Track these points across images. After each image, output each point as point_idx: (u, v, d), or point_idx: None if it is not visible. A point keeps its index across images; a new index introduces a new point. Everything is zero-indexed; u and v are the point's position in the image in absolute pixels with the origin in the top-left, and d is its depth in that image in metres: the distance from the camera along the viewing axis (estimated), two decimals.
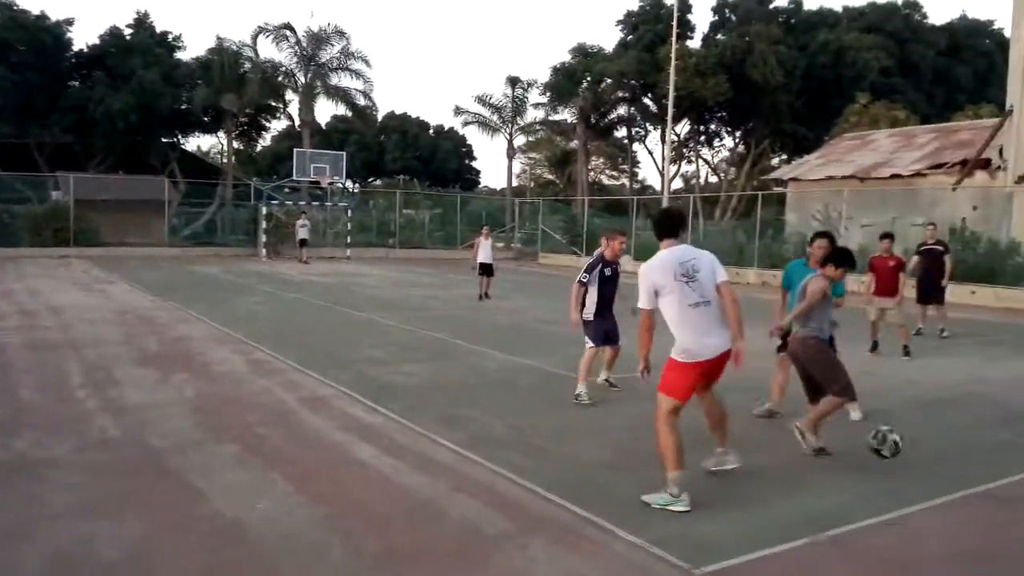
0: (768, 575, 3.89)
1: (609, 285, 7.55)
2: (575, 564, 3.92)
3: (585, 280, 7.46)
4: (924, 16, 44.25)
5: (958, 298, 18.31)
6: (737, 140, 46.16)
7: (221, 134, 41.75)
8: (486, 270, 16.59)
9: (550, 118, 44.87)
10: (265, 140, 50.40)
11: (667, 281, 4.69)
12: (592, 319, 7.53)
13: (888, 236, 10.74)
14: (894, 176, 24.11)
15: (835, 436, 6.61)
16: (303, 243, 27.78)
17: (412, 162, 55.81)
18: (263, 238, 29.86)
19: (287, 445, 5.79)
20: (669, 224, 4.90)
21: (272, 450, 5.66)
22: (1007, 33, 26.94)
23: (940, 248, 12.36)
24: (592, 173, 54.04)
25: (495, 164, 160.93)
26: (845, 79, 38.82)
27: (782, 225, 27.97)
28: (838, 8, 44.45)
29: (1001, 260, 18.88)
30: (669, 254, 4.78)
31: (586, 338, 7.56)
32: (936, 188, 22.48)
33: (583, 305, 7.50)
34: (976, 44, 44.52)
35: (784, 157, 43.18)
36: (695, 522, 4.45)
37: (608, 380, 7.87)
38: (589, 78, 42.83)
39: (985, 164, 21.92)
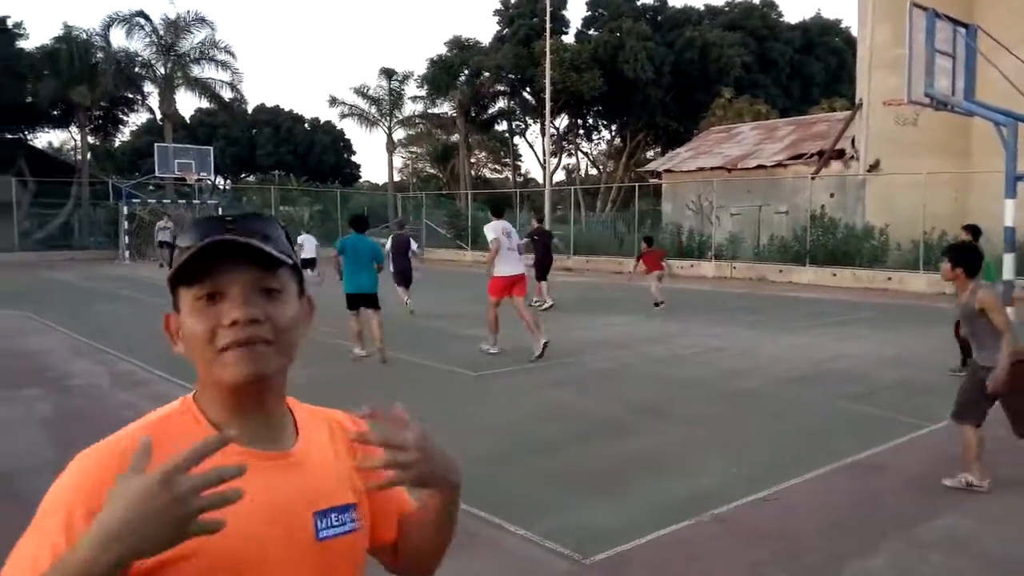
0: (655, 557, 3.94)
1: (403, 253, 13.59)
2: (469, 565, 3.82)
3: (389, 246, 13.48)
4: (780, 15, 46.87)
5: (820, 279, 19.57)
6: (613, 133, 47.37)
7: (74, 129, 38.80)
8: (309, 265, 16.43)
9: (429, 111, 44.44)
10: (124, 135, 47.14)
11: (499, 234, 9.27)
12: (392, 270, 13.23)
13: (648, 239, 15.41)
14: (759, 167, 25.43)
15: (718, 419, 6.82)
16: (164, 246, 26.01)
17: (287, 157, 53.74)
18: (125, 240, 27.99)
19: None
20: (496, 212, 9.97)
21: None
22: (855, 32, 28.98)
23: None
24: (475, 167, 54.05)
25: (375, 158, 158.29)
26: (711, 74, 40.54)
27: (659, 215, 28.96)
28: (700, 6, 46.42)
29: (857, 243, 20.23)
30: (501, 222, 9.55)
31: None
32: (797, 177, 23.87)
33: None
34: (828, 41, 47.59)
35: (658, 150, 44.67)
36: (583, 512, 4.46)
37: (410, 308, 13.30)
38: (467, 71, 42.74)
39: (840, 154, 23.48)
